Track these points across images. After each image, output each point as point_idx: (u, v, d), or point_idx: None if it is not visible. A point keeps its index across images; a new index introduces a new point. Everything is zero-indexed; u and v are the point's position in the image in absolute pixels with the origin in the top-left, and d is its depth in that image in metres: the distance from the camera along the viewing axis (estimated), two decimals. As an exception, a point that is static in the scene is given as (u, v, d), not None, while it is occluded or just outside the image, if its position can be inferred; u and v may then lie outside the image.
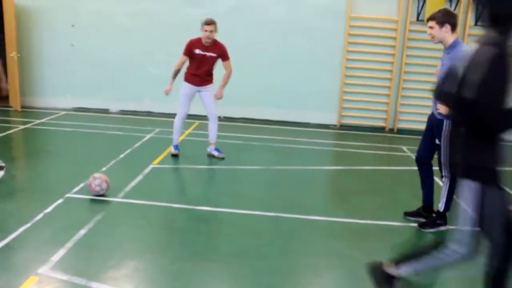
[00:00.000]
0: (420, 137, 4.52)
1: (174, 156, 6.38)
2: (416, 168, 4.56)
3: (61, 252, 3.48)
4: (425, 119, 4.46)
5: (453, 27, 3.99)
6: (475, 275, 2.83)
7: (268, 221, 4.39)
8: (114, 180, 4.86)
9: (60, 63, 9.51)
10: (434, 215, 4.40)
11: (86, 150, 6.63)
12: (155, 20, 9.27)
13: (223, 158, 6.40)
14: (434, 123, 4.20)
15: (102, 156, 6.09)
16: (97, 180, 4.62)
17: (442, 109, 4.03)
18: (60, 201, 4.51)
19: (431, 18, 4.03)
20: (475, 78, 2.33)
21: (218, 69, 6.29)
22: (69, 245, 3.61)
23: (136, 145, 6.91)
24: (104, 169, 5.53)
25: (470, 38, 8.90)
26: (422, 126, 4.56)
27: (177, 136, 6.46)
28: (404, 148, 7.85)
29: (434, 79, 4.36)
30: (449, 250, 2.58)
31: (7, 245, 3.58)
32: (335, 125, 9.56)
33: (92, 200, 4.61)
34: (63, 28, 9.37)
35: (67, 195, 4.67)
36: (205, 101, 6.36)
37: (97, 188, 4.61)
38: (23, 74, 9.37)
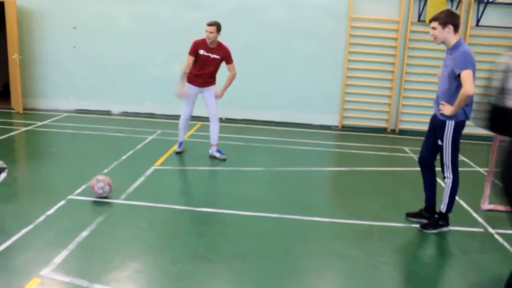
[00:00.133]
0: (422, 137, 4.53)
1: (178, 153, 6.51)
2: (418, 169, 4.56)
3: (63, 254, 3.49)
4: (427, 119, 4.46)
5: (456, 28, 4.00)
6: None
7: (270, 222, 4.39)
8: (116, 182, 4.86)
9: (62, 65, 9.53)
10: (436, 216, 4.39)
11: (88, 152, 6.63)
12: (156, 22, 9.29)
13: (224, 160, 6.40)
14: (436, 124, 4.19)
15: (104, 158, 6.10)
16: (100, 182, 4.62)
17: (445, 109, 4.03)
18: (62, 203, 4.51)
19: (434, 19, 4.02)
20: None
21: (222, 71, 6.30)
22: (71, 247, 3.61)
23: (138, 146, 6.91)
24: (106, 171, 5.54)
25: (471, 38, 8.89)
26: (424, 127, 4.55)
27: (182, 134, 6.58)
28: (406, 149, 7.83)
29: (437, 80, 4.36)
30: None
31: (9, 247, 3.58)
32: (337, 126, 9.55)
33: (94, 202, 4.61)
34: (65, 30, 9.39)
35: (69, 196, 4.68)
36: (207, 102, 6.37)
37: (100, 191, 4.62)
38: (25, 76, 9.40)
